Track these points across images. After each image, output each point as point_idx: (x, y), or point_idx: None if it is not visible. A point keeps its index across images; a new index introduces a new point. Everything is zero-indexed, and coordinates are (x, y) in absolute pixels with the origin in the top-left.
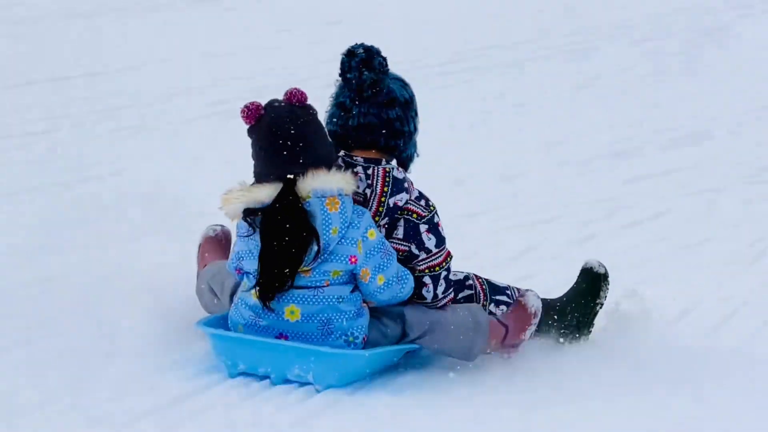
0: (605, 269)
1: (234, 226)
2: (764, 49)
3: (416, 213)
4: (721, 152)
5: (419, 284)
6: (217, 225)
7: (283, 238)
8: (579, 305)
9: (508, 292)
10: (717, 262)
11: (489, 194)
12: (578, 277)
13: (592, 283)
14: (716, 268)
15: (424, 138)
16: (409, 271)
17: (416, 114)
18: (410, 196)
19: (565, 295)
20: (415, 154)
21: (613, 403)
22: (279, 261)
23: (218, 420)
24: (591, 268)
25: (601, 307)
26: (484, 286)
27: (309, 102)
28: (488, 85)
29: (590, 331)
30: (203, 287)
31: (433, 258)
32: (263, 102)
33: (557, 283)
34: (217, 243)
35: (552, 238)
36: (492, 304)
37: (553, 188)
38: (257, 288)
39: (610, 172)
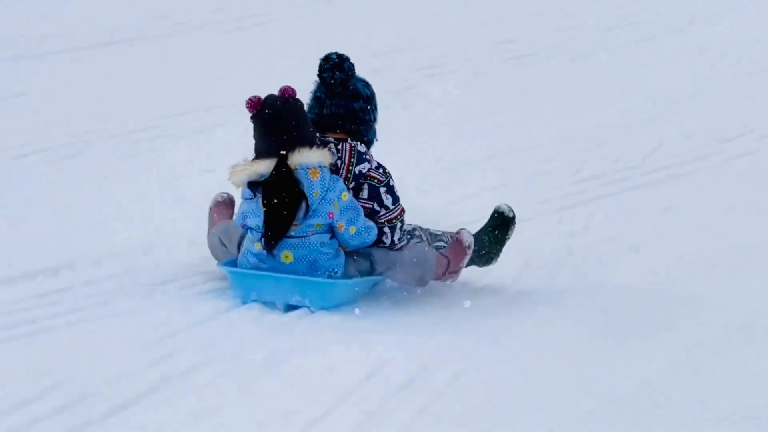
0: (513, 213)
1: (239, 192)
2: (450, 109)
3: (376, 179)
4: (412, 212)
5: (380, 233)
6: (224, 192)
7: (281, 200)
8: (492, 239)
9: (444, 238)
10: (408, 322)
11: (180, 259)
12: (491, 217)
13: (502, 224)
14: (406, 328)
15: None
16: (373, 223)
17: (376, 107)
18: (371, 166)
19: (481, 231)
20: (375, 138)
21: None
22: (279, 217)
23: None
24: (503, 212)
25: (508, 240)
26: (426, 236)
27: (296, 95)
28: (176, 153)
29: (498, 258)
30: (215, 241)
31: (390, 213)
32: (263, 96)
33: None
34: (224, 206)
35: None
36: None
37: None
38: (263, 239)
39: None
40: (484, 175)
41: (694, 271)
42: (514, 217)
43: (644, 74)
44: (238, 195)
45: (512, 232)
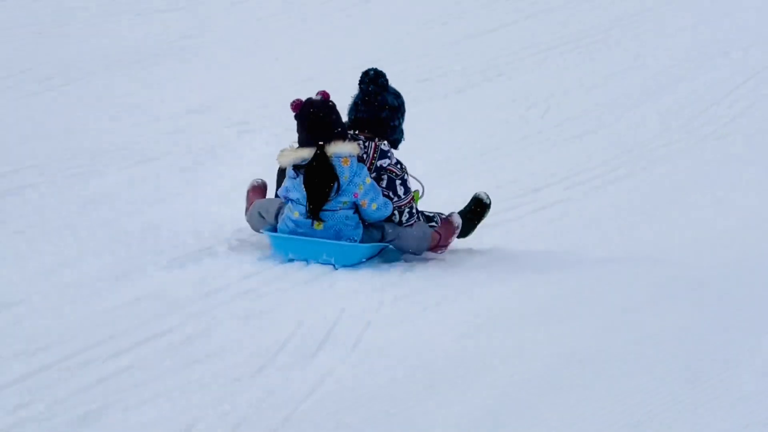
0: (490, 200)
1: (286, 171)
2: (261, 166)
3: (394, 172)
4: (221, 270)
5: (391, 214)
6: (259, 179)
7: (320, 181)
8: (469, 220)
9: (436, 218)
10: (218, 378)
11: None
12: (471, 201)
13: (479, 208)
14: (218, 383)
15: None
16: (389, 201)
17: (402, 114)
18: (391, 162)
19: (462, 211)
20: (402, 138)
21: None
22: (318, 194)
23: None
24: (481, 199)
25: (484, 219)
26: (422, 217)
27: (330, 98)
28: None
29: (473, 233)
30: (254, 213)
31: (401, 201)
32: (303, 99)
33: None
34: (259, 189)
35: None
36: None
37: (59, 314)
38: (308, 210)
39: (111, 293)
40: None
41: (503, 323)
42: (490, 203)
43: (454, 125)
44: (268, 180)
45: (487, 213)
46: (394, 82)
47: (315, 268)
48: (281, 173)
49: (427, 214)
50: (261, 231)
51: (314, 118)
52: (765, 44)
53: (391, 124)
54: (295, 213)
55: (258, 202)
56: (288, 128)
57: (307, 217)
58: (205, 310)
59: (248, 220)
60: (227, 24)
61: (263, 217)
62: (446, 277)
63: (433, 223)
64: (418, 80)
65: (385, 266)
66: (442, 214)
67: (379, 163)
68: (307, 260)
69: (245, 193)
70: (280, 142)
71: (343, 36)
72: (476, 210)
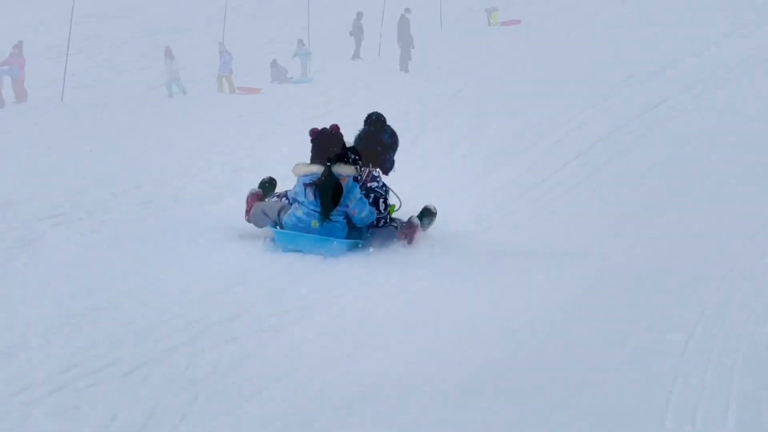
0: (436, 210)
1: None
2: (75, 256)
3: (380, 193)
4: (36, 365)
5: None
6: (256, 188)
7: (329, 192)
8: (424, 223)
9: (396, 221)
10: None
11: None
12: (422, 210)
13: (428, 215)
14: None
15: None
16: (374, 209)
17: (394, 150)
18: (378, 185)
19: (419, 216)
20: (392, 168)
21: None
22: (329, 202)
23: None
24: (430, 209)
25: (431, 225)
26: (387, 219)
27: (337, 130)
28: None
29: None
30: (258, 212)
31: (382, 214)
32: (319, 127)
33: None
34: (256, 196)
35: None
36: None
37: None
38: (321, 214)
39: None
40: (103, 324)
41: (319, 413)
42: (436, 213)
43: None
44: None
45: (434, 220)
46: (207, 177)
47: (132, 360)
48: (263, 184)
49: (391, 218)
50: (266, 226)
51: (325, 143)
52: (588, 125)
53: (383, 156)
54: (299, 211)
55: (260, 204)
56: (103, 221)
57: (319, 221)
58: (17, 407)
59: (251, 219)
60: (39, 113)
61: (267, 215)
62: (273, 360)
63: (393, 224)
64: (233, 170)
65: (207, 354)
66: (400, 219)
67: (369, 184)
68: (302, 251)
69: (245, 198)
70: (95, 233)
71: (162, 125)
72: (427, 216)
